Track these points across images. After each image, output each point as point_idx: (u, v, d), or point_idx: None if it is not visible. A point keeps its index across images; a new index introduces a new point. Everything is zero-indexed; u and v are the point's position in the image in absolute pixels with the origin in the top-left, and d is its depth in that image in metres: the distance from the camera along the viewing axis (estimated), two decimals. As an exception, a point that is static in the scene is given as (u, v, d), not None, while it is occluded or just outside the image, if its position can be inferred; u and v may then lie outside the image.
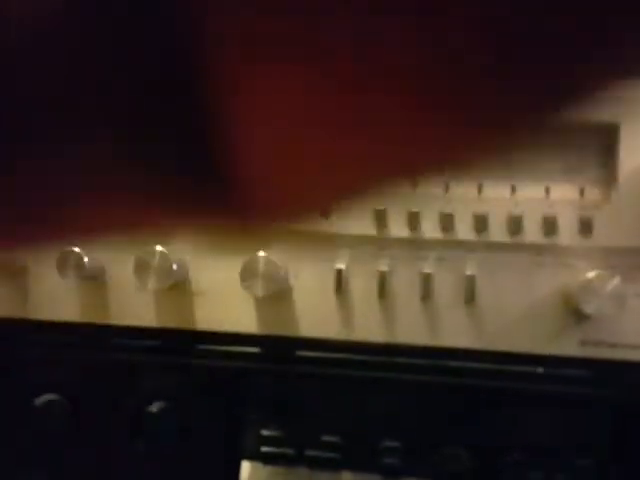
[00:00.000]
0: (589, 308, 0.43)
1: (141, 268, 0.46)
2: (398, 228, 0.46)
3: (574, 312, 0.45)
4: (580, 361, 0.45)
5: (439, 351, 0.46)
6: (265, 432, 0.48)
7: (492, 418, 0.47)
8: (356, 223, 0.46)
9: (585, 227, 0.44)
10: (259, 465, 0.48)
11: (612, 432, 0.45)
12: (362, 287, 0.47)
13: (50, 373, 0.50)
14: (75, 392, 0.49)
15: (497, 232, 0.45)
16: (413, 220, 0.45)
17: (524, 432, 0.46)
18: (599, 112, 0.43)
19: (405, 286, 0.46)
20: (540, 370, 0.45)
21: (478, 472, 0.46)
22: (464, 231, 0.45)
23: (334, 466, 0.47)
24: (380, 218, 0.46)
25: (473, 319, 0.46)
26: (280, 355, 0.48)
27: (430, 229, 0.45)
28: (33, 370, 0.50)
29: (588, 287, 0.43)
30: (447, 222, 0.45)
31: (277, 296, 0.47)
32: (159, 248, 0.46)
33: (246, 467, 0.48)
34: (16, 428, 0.50)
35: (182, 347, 0.49)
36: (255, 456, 0.48)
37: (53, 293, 0.49)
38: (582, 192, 0.45)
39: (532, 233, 0.44)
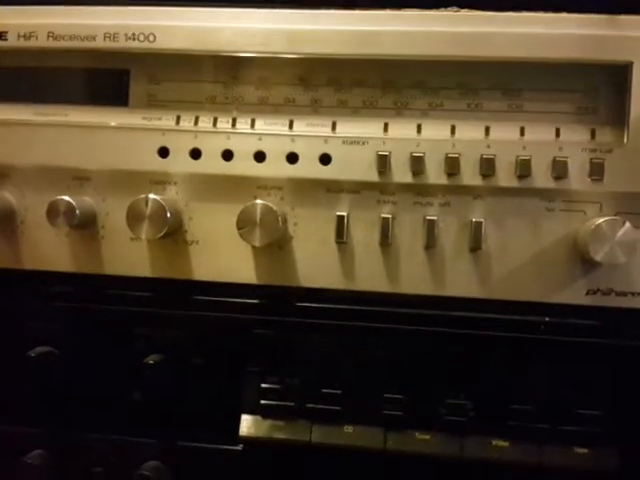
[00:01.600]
0: (598, 255, 0.42)
1: (134, 217, 0.46)
2: (401, 173, 0.45)
3: (582, 260, 0.45)
4: (588, 310, 0.45)
5: (443, 301, 0.46)
6: (265, 385, 0.48)
7: (497, 368, 0.46)
8: (358, 168, 0.46)
9: (596, 171, 0.43)
10: (259, 418, 0.48)
11: (619, 382, 0.46)
12: (364, 235, 0.46)
13: (44, 325, 0.50)
14: (70, 344, 0.49)
15: (505, 176, 0.44)
16: (417, 164, 0.44)
17: (529, 382, 0.46)
18: (611, 51, 0.42)
19: (408, 234, 0.46)
20: (547, 319, 0.46)
21: (482, 423, 0.46)
22: (470, 176, 0.44)
23: (335, 419, 0.47)
24: (383, 162, 0.45)
25: (478, 268, 0.46)
26: (279, 306, 0.48)
27: (435, 174, 0.45)
28: (27, 321, 0.50)
29: (597, 234, 0.42)
30: (452, 166, 0.44)
31: (275, 245, 0.47)
32: (152, 196, 0.46)
33: (246, 420, 0.48)
34: (11, 380, 0.50)
35: (178, 298, 0.49)
36: (254, 409, 0.48)
37: (45, 243, 0.49)
38: (593, 134, 0.44)
39: (541, 177, 0.44)
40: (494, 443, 0.46)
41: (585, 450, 0.45)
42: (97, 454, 0.50)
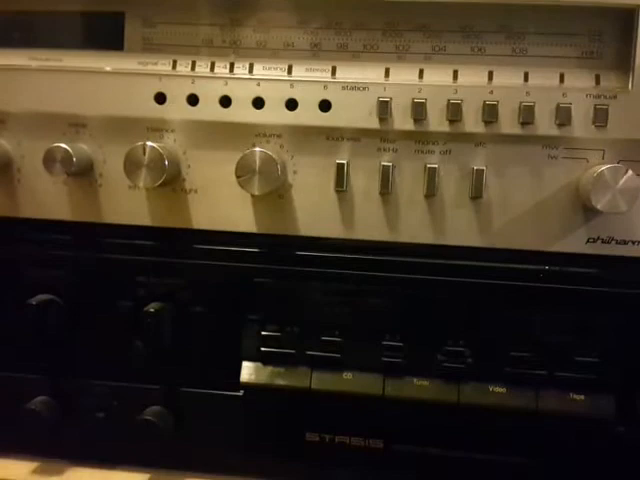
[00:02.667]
0: (599, 203, 0.43)
1: (132, 165, 0.46)
2: (402, 120, 0.45)
3: (584, 208, 0.45)
4: (588, 258, 0.46)
5: (443, 250, 0.47)
6: (265, 333, 0.49)
7: (496, 316, 0.47)
8: (358, 115, 0.45)
9: (600, 117, 0.43)
10: (259, 365, 0.49)
11: (617, 330, 0.46)
12: (364, 183, 0.47)
13: (44, 273, 0.50)
14: (71, 292, 0.50)
15: (507, 123, 0.44)
16: (418, 111, 0.44)
17: (528, 330, 0.47)
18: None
19: (409, 182, 0.46)
20: (546, 268, 0.46)
21: (480, 369, 0.47)
22: (472, 122, 0.44)
23: (335, 366, 0.49)
24: (383, 109, 0.45)
25: (479, 216, 0.46)
26: (279, 255, 0.49)
27: (436, 120, 0.45)
28: (27, 270, 0.51)
29: (600, 181, 0.43)
30: (454, 113, 0.44)
31: (275, 193, 0.47)
32: (150, 144, 0.46)
33: (246, 367, 0.49)
34: (13, 328, 0.51)
35: (178, 247, 0.49)
36: (255, 357, 0.49)
37: (42, 191, 0.49)
38: (598, 80, 0.44)
39: (544, 124, 0.44)
40: (491, 389, 0.47)
41: (582, 396, 0.47)
42: (100, 400, 0.51)
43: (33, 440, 0.52)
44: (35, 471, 0.52)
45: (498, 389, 0.47)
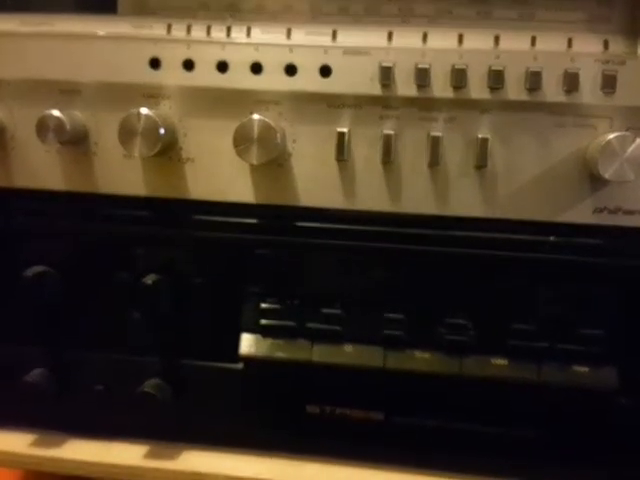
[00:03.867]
0: (607, 172, 0.42)
1: (126, 133, 0.45)
2: (405, 86, 0.44)
3: (590, 177, 0.45)
4: (593, 229, 0.46)
5: (446, 220, 0.47)
6: (264, 305, 0.49)
7: (500, 288, 0.47)
8: (359, 81, 0.45)
9: (608, 84, 0.43)
10: (259, 337, 0.49)
11: (622, 302, 0.46)
12: (365, 152, 0.46)
13: (39, 244, 0.50)
14: (66, 264, 0.50)
15: (514, 89, 0.44)
16: (422, 77, 0.44)
17: (532, 302, 0.47)
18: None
19: (412, 151, 0.46)
20: (552, 239, 0.46)
21: (482, 342, 0.47)
22: (477, 89, 0.44)
23: (335, 338, 0.49)
24: (385, 75, 0.44)
25: (483, 186, 0.46)
26: (279, 226, 0.48)
27: (440, 87, 0.44)
28: (21, 241, 0.51)
29: (607, 149, 0.42)
30: (459, 79, 0.43)
31: (274, 163, 0.46)
32: (144, 111, 0.45)
33: (246, 339, 0.49)
34: (9, 300, 0.51)
35: (176, 217, 0.49)
36: (254, 329, 0.49)
37: (36, 160, 0.49)
38: (606, 45, 0.44)
39: (552, 90, 0.43)
40: (493, 361, 0.48)
41: (585, 369, 0.47)
42: (98, 373, 0.52)
43: (31, 413, 0.53)
44: (34, 443, 0.52)
45: (500, 361, 0.48)
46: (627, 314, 0.46)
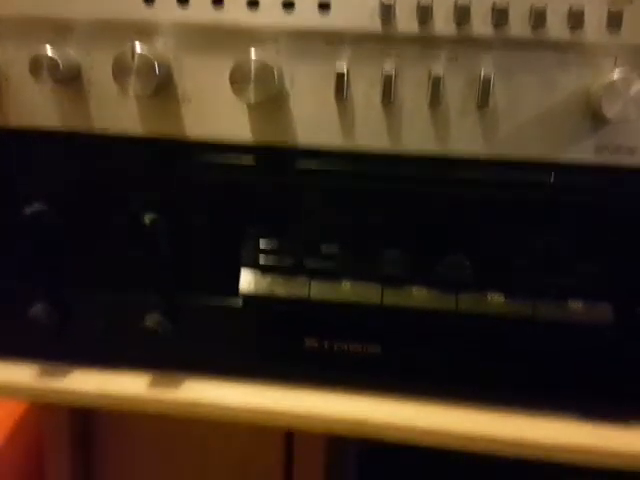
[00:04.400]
0: (610, 111, 0.42)
1: (120, 71, 0.45)
2: (406, 22, 0.43)
3: (593, 116, 0.44)
4: (593, 168, 0.46)
5: (446, 161, 0.47)
6: (263, 244, 0.50)
7: (497, 226, 0.48)
8: (358, 17, 0.44)
9: (614, 21, 0.42)
10: (258, 275, 0.50)
11: (619, 240, 0.47)
12: (365, 91, 0.46)
13: (37, 183, 0.51)
14: (64, 202, 0.50)
15: (517, 27, 0.43)
16: (423, 13, 0.43)
17: (531, 242, 0.48)
18: None
19: (412, 90, 0.45)
20: (552, 177, 0.46)
21: (479, 279, 0.48)
22: (480, 25, 0.43)
23: (333, 276, 0.50)
24: (386, 11, 0.43)
25: (485, 125, 0.45)
26: (277, 165, 0.49)
27: (442, 23, 0.43)
28: (18, 181, 0.51)
29: (611, 88, 0.42)
30: (461, 15, 0.42)
31: (271, 102, 0.46)
32: (138, 48, 0.44)
33: (245, 277, 0.50)
34: (8, 238, 0.52)
35: (173, 157, 0.49)
36: (253, 267, 0.50)
37: (31, 99, 0.48)
38: (614, -20, 0.42)
39: (556, 27, 0.42)
40: (489, 298, 0.49)
41: (579, 304, 0.48)
42: (99, 308, 0.53)
43: (34, 345, 0.54)
44: (37, 375, 0.54)
45: (496, 298, 0.49)
46: (624, 252, 0.47)
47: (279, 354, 0.53)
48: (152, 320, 0.51)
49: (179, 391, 0.53)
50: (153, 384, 0.53)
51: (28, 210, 0.50)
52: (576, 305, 0.48)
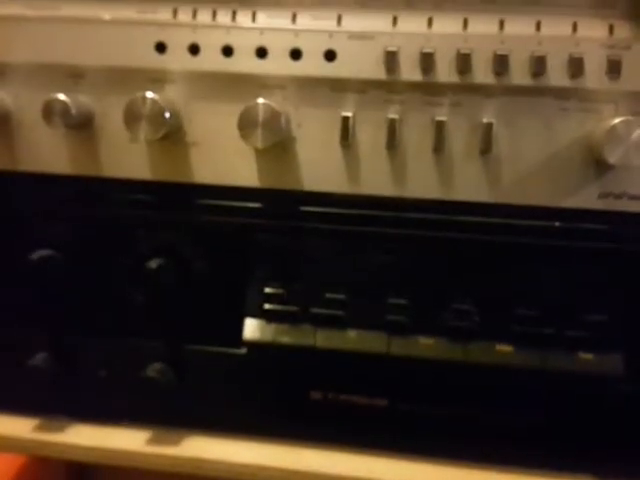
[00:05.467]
0: (612, 157, 0.43)
1: (131, 117, 0.46)
2: (410, 70, 0.45)
3: (595, 162, 0.46)
4: (599, 214, 0.46)
5: (451, 205, 0.48)
6: (268, 289, 0.50)
7: (504, 274, 0.48)
8: (364, 65, 0.46)
9: (613, 68, 0.44)
10: (262, 322, 0.50)
11: (627, 287, 0.47)
12: (370, 137, 0.47)
13: (44, 228, 0.51)
14: (71, 247, 0.51)
15: (518, 74, 0.44)
16: (426, 61, 0.45)
17: (537, 288, 0.48)
18: None
19: (416, 135, 0.47)
20: (557, 224, 0.47)
21: (486, 328, 0.48)
22: (482, 73, 0.45)
23: (339, 324, 0.50)
24: (390, 60, 0.45)
25: (488, 171, 0.47)
26: (283, 210, 0.49)
27: (445, 71, 0.45)
28: (26, 225, 0.52)
29: (612, 134, 0.43)
30: (464, 63, 0.44)
31: (279, 147, 0.47)
32: (150, 95, 0.46)
33: (250, 324, 0.50)
34: (13, 284, 0.52)
35: (180, 201, 0.50)
36: (258, 314, 0.50)
37: (42, 144, 0.50)
38: (611, 29, 0.44)
39: (556, 75, 0.44)
40: (498, 348, 0.48)
41: (590, 355, 0.48)
42: (101, 357, 0.53)
43: (34, 397, 0.53)
44: (37, 428, 0.53)
45: (505, 348, 0.48)
46: (632, 300, 0.47)
47: (283, 408, 0.52)
48: (154, 370, 0.51)
49: (181, 447, 0.52)
50: (154, 439, 0.53)
51: (34, 256, 0.50)
52: (586, 356, 0.48)
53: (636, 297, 0.47)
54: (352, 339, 0.49)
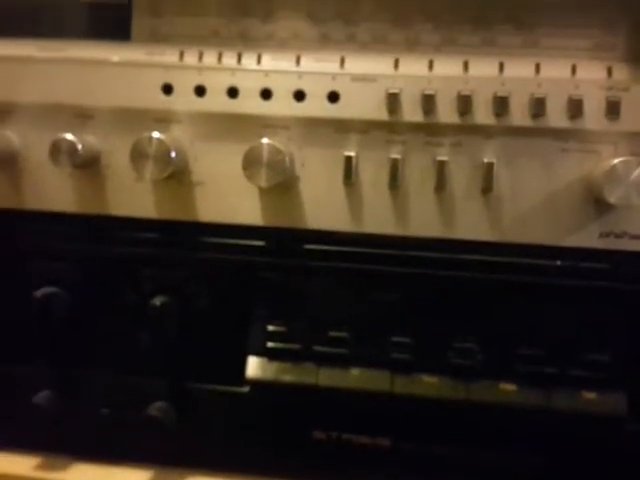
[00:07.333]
0: (612, 197, 0.44)
1: (138, 156, 0.48)
2: (412, 112, 0.47)
3: (596, 202, 0.47)
4: (599, 253, 0.47)
5: (452, 244, 0.48)
6: (271, 328, 0.51)
7: (507, 312, 0.49)
8: (366, 106, 0.47)
9: (612, 110, 0.45)
10: (265, 360, 0.51)
11: (629, 326, 0.48)
12: (372, 176, 0.48)
13: (49, 265, 0.52)
14: (76, 285, 0.52)
15: (518, 115, 0.46)
16: (428, 103, 0.46)
17: (539, 327, 0.48)
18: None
19: (418, 175, 0.48)
20: (558, 263, 0.48)
21: (489, 367, 0.49)
22: (483, 115, 0.46)
23: (342, 362, 0.50)
24: (392, 101, 0.46)
25: (489, 210, 0.48)
26: (286, 248, 0.50)
27: (446, 113, 0.46)
28: (32, 263, 0.53)
29: (612, 175, 0.44)
30: (464, 105, 0.46)
31: (282, 186, 0.48)
32: (156, 135, 0.47)
33: (252, 362, 0.51)
34: (17, 321, 0.53)
35: (184, 240, 0.51)
36: (261, 351, 0.51)
37: (48, 183, 0.51)
38: (610, 72, 0.45)
39: (556, 116, 0.45)
40: (501, 387, 0.49)
41: (593, 395, 0.48)
42: (104, 395, 0.53)
43: (36, 435, 0.54)
44: (38, 466, 0.54)
45: (508, 387, 0.49)
46: (635, 338, 0.48)
47: (286, 448, 0.52)
48: (156, 409, 0.51)
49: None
50: (156, 478, 0.53)
51: (39, 293, 0.51)
52: (589, 395, 0.48)
53: (636, 336, 0.48)
54: (355, 377, 0.50)
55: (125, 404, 0.53)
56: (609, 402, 0.48)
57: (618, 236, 0.47)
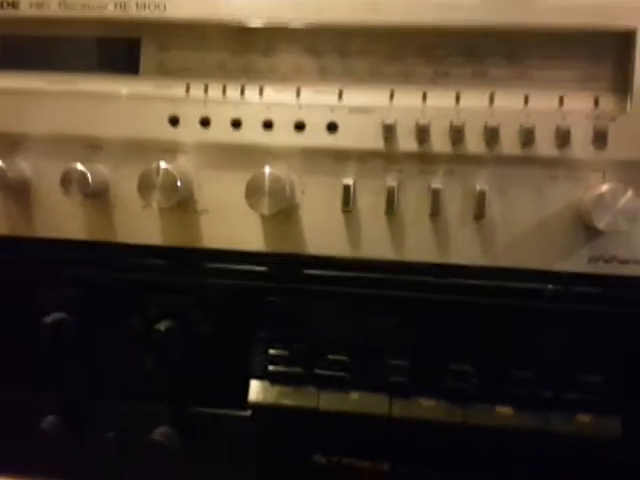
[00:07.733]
0: (601, 223, 0.46)
1: (145, 186, 0.50)
2: (407, 141, 0.49)
3: (585, 228, 0.48)
4: (590, 277, 0.49)
5: (447, 268, 0.50)
6: (273, 351, 0.52)
7: (500, 336, 0.50)
8: (363, 137, 0.49)
9: (599, 139, 0.46)
10: (267, 384, 0.52)
11: (621, 349, 0.49)
12: (370, 203, 0.50)
13: (58, 292, 0.54)
14: (84, 311, 0.54)
15: (508, 145, 0.48)
16: (422, 133, 0.48)
17: (532, 350, 0.50)
18: (615, 18, 0.45)
19: (414, 202, 0.50)
20: (550, 287, 0.49)
21: (485, 390, 0.50)
22: (474, 144, 0.48)
23: (342, 385, 0.51)
24: (388, 132, 0.48)
25: (482, 236, 0.49)
26: (287, 273, 0.52)
27: (439, 142, 0.48)
28: (40, 289, 0.54)
29: (600, 201, 0.46)
30: (457, 134, 0.48)
31: (284, 213, 0.50)
32: (163, 165, 0.50)
33: (254, 386, 0.52)
34: (25, 346, 0.54)
35: (188, 266, 0.53)
36: (263, 375, 0.52)
37: (58, 212, 0.53)
38: (597, 102, 0.47)
39: (545, 145, 0.47)
40: (497, 410, 0.50)
41: (588, 417, 0.49)
42: (109, 420, 0.55)
43: (42, 460, 0.55)
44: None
45: (504, 410, 0.50)
46: (627, 361, 0.49)
47: (287, 471, 0.54)
48: (160, 434, 0.53)
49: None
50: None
51: (49, 319, 0.53)
52: (585, 418, 0.49)
53: (630, 359, 0.49)
54: (354, 401, 0.51)
55: (130, 429, 0.54)
56: (604, 425, 0.49)
57: (607, 261, 0.48)
